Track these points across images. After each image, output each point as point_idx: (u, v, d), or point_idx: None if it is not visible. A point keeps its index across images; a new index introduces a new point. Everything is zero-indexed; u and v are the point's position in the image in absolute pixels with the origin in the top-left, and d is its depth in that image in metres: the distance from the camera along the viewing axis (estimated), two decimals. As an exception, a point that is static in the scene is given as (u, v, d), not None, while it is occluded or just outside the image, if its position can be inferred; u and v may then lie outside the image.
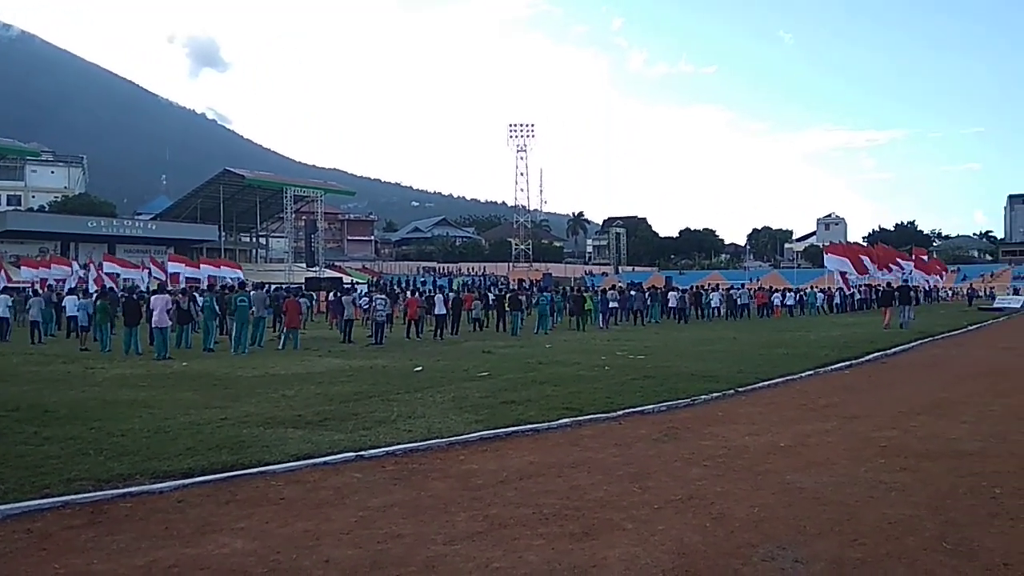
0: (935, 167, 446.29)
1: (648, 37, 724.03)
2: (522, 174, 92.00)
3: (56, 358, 15.55)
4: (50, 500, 5.24)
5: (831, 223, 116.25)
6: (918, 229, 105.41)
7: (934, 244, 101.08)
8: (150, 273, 41.41)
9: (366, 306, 23.28)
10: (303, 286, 41.65)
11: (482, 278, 65.27)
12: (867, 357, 15.19)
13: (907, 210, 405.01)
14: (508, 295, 26.78)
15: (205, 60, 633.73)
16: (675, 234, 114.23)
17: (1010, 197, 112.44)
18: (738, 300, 33.91)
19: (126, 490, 5.53)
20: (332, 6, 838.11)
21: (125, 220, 70.40)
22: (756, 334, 22.00)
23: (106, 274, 39.43)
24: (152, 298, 17.75)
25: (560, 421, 8.22)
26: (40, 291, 29.51)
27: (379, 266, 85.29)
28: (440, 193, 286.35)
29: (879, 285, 35.74)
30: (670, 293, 32.45)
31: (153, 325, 16.05)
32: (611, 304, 27.96)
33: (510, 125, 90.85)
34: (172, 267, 39.65)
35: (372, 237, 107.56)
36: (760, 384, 11.30)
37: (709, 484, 5.79)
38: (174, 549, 4.41)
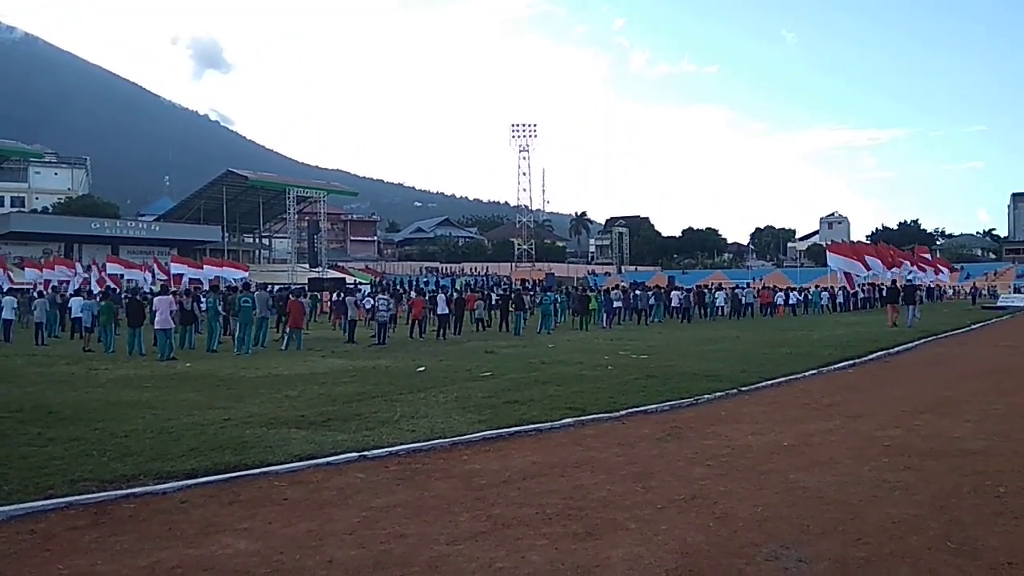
0: (937, 166, 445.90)
1: (650, 37, 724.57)
2: (524, 174, 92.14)
3: (60, 359, 15.59)
4: (54, 501, 5.24)
5: (834, 222, 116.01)
6: (921, 228, 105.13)
7: (938, 243, 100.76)
8: (153, 274, 41.49)
9: (369, 307, 23.30)
10: (306, 286, 41.68)
11: (485, 278, 65.28)
12: (870, 356, 15.17)
13: (910, 209, 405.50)
14: (511, 295, 26.78)
15: (208, 61, 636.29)
16: (678, 234, 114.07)
17: (1014, 195, 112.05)
18: (743, 299, 33.90)
19: (130, 491, 5.54)
20: (334, 7, 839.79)
21: (128, 221, 70.56)
22: (759, 333, 21.97)
23: (109, 275, 39.53)
24: (155, 299, 17.79)
25: (563, 421, 8.22)
26: (44, 292, 29.55)
27: (382, 266, 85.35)
28: (443, 193, 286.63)
29: (883, 284, 35.65)
30: (672, 292, 32.44)
31: (156, 326, 16.08)
32: (615, 304, 27.98)
33: (512, 125, 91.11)
34: (175, 268, 39.73)
35: (375, 237, 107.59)
36: (763, 383, 11.29)
37: (712, 484, 5.79)
38: (177, 550, 4.42)
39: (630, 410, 8.89)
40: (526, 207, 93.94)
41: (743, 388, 10.76)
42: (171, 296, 18.07)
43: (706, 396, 10.00)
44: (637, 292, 31.60)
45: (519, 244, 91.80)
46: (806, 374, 12.51)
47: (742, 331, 23.30)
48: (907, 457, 6.56)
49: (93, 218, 65.26)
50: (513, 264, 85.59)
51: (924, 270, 37.72)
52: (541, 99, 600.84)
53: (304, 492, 5.64)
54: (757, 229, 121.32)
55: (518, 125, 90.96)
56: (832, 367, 13.43)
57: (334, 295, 31.59)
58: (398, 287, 43.49)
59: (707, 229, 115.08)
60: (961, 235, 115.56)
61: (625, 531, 4.70)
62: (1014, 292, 48.31)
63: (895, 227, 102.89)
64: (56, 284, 36.73)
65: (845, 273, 32.59)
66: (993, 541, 4.46)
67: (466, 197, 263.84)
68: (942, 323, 24.40)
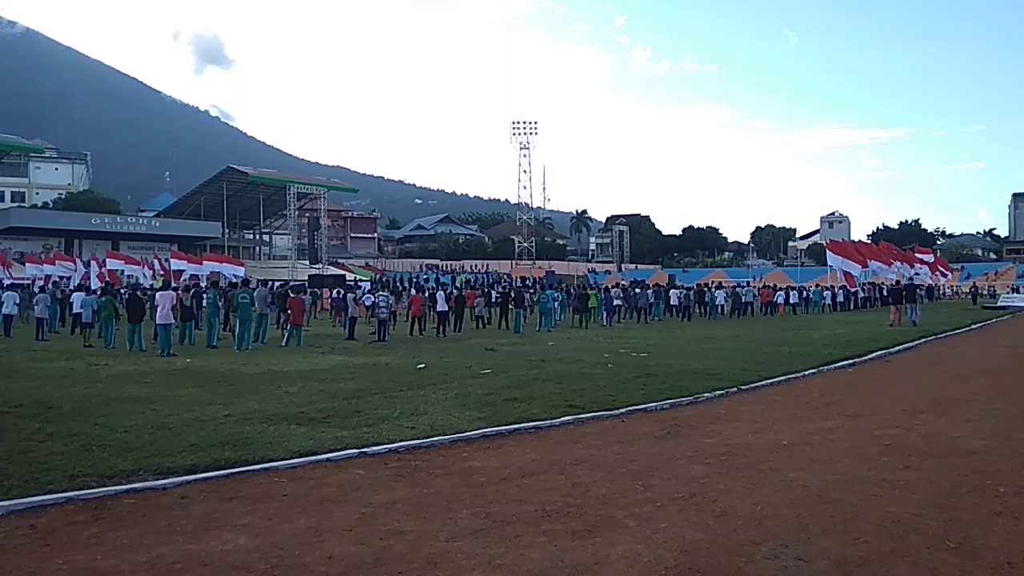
0: (938, 165, 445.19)
1: (651, 35, 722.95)
2: (525, 171, 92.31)
3: (60, 354, 15.60)
4: (54, 496, 5.25)
5: (835, 221, 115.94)
6: (922, 227, 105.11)
7: (938, 242, 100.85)
8: (153, 271, 41.50)
9: (369, 304, 23.31)
10: (307, 283, 41.72)
11: (485, 275, 65.22)
12: (870, 355, 15.17)
13: (910, 208, 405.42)
14: (511, 293, 26.79)
15: (210, 57, 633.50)
16: (678, 232, 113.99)
17: (1014, 195, 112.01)
18: (743, 298, 33.90)
19: (129, 486, 5.54)
20: (336, 3, 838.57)
21: (129, 217, 70.51)
22: (759, 332, 21.98)
23: (109, 271, 39.52)
24: (156, 295, 17.81)
25: (563, 418, 8.22)
26: (45, 288, 29.58)
27: (382, 263, 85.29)
28: (443, 190, 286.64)
29: (883, 283, 35.65)
30: (671, 291, 32.45)
31: (158, 321, 16.09)
32: (615, 302, 27.99)
33: (513, 123, 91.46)
34: (175, 264, 39.74)
35: (375, 234, 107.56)
36: (763, 382, 11.29)
37: (712, 482, 5.79)
38: (177, 545, 4.43)
39: (630, 408, 8.90)
40: (527, 204, 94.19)
41: (743, 387, 10.76)
42: (173, 291, 18.09)
43: (706, 395, 10.00)
44: (637, 290, 31.63)
45: (519, 242, 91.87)
46: (806, 373, 12.51)
47: (742, 330, 23.31)
48: (907, 456, 6.56)
49: (93, 214, 65.25)
50: (513, 262, 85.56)
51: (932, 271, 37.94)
52: (542, 97, 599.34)
53: (304, 488, 5.64)
54: (758, 228, 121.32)
55: (519, 122, 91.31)
56: (832, 366, 13.44)
57: (334, 292, 31.60)
58: (398, 284, 43.54)
59: (708, 228, 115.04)
60: (962, 235, 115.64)
61: (624, 529, 4.71)
62: (1014, 292, 48.27)
63: (896, 226, 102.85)
64: (57, 279, 36.76)
65: (845, 272, 32.63)
66: (993, 541, 4.46)
67: (467, 194, 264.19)
68: (942, 323, 24.40)
